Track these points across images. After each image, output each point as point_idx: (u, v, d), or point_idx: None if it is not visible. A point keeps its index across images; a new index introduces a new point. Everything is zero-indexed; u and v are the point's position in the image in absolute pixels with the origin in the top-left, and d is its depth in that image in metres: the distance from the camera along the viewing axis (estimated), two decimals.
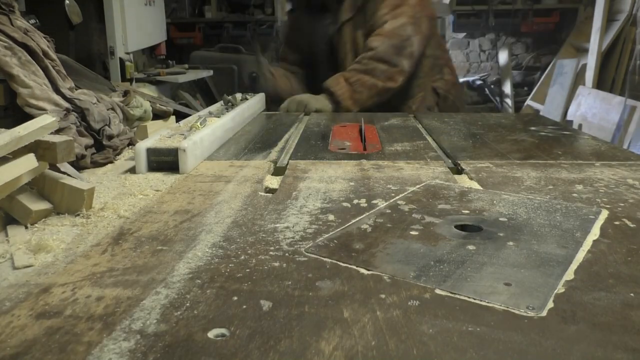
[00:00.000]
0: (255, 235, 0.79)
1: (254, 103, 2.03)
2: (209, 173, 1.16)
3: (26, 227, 0.83)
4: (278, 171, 1.20)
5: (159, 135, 1.28)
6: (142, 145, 1.18)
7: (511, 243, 0.75)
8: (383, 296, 0.60)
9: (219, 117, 1.55)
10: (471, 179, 1.11)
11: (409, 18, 2.25)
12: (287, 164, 1.24)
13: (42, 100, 1.16)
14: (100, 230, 0.82)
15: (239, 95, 1.93)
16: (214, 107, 1.77)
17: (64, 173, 0.95)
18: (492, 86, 5.68)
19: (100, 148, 1.26)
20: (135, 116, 1.50)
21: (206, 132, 1.32)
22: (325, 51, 2.48)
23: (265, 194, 1.00)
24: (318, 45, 2.50)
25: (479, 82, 5.66)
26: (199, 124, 1.38)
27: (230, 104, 1.80)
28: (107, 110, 1.34)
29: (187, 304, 0.58)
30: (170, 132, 1.31)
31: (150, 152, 1.18)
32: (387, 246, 0.74)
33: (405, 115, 2.03)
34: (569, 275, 0.65)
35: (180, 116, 1.77)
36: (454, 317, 0.55)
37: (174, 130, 1.32)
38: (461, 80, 5.18)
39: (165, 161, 1.17)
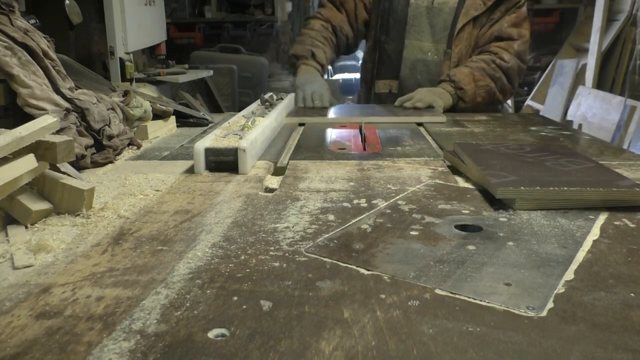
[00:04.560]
0: (255, 235, 0.79)
1: (289, 102, 1.97)
2: (209, 172, 1.16)
3: (26, 227, 0.83)
4: (278, 171, 1.20)
5: (213, 135, 1.25)
6: (201, 145, 1.15)
7: (511, 243, 0.75)
8: (383, 296, 0.60)
9: (262, 116, 1.50)
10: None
11: (527, 43, 2.21)
12: (287, 164, 1.24)
13: (42, 100, 1.15)
14: (100, 230, 0.82)
15: (270, 95, 1.85)
16: (253, 107, 1.73)
17: (64, 173, 0.95)
18: None
19: (100, 148, 1.26)
20: (135, 116, 1.50)
21: (259, 131, 1.30)
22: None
23: (265, 194, 1.00)
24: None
25: None
26: (250, 123, 1.35)
27: (267, 103, 1.75)
28: (107, 110, 1.34)
29: (187, 304, 0.58)
30: (222, 132, 1.28)
31: (209, 152, 1.15)
32: (387, 246, 0.74)
33: None
34: (569, 275, 0.65)
35: (180, 116, 1.76)
36: (454, 317, 0.55)
37: (226, 130, 1.30)
38: None
39: (224, 161, 1.15)
